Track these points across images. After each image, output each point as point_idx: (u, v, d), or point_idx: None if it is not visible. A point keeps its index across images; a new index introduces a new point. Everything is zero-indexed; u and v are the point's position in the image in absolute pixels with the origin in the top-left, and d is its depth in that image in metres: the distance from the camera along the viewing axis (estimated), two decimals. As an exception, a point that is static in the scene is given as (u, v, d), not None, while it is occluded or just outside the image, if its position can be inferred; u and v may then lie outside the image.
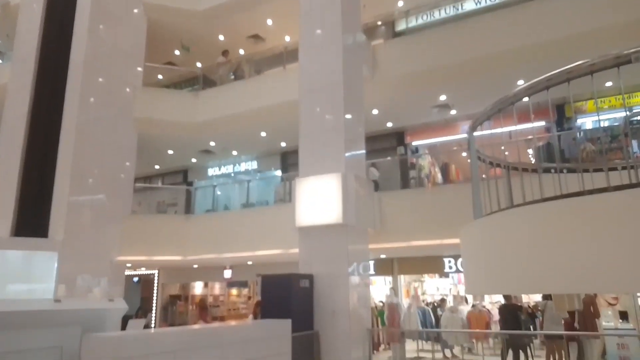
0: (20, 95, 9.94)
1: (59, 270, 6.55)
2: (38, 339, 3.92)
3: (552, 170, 4.94)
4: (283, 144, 15.27)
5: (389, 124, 13.70)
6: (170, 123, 13.58)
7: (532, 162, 7.62)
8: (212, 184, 15.84)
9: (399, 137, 14.33)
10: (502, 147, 4.76)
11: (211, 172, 17.75)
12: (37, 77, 6.69)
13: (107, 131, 11.67)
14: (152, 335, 4.90)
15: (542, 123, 11.40)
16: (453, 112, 12.62)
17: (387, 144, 14.13)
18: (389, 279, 13.55)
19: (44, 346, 3.93)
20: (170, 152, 16.07)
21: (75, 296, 5.19)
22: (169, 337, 4.70)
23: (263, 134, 14.35)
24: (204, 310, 15.13)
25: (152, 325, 14.83)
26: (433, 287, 14.06)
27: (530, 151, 8.81)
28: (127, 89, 12.66)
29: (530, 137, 7.91)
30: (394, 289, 12.37)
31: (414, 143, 14.10)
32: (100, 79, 11.80)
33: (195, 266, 15.06)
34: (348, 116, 8.99)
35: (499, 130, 4.38)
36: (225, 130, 14.03)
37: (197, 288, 16.92)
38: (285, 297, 7.58)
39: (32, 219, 6.83)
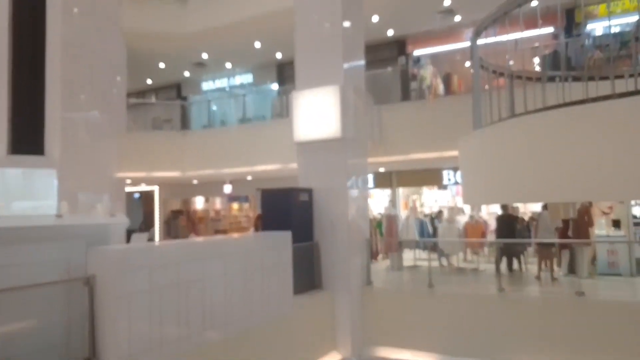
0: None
1: (59, 187, 6.58)
2: (44, 252, 4.00)
3: (557, 79, 4.78)
4: (279, 55, 14.76)
5: (390, 32, 13.14)
6: (159, 35, 13.03)
7: (537, 71, 7.41)
8: (207, 98, 15.54)
9: (400, 46, 13.81)
10: (507, 56, 4.57)
11: (205, 86, 17.34)
12: (13, -16, 6.28)
13: (95, 44, 11.19)
14: (155, 248, 5.03)
15: (550, 29, 10.93)
16: (457, 18, 12.06)
17: (388, 54, 13.65)
18: (388, 191, 13.76)
19: (51, 259, 4.02)
20: (162, 65, 15.58)
21: (78, 212, 5.25)
22: (172, 249, 4.82)
23: (258, 44, 13.82)
24: (193, 224, 15.54)
25: (156, 239, 15.29)
26: (431, 200, 14.33)
27: (536, 60, 8.51)
28: (113, -2, 11.97)
29: (536, 44, 7.60)
30: (393, 201, 12.60)
31: (416, 53, 13.62)
32: (83, -13, 11.10)
33: (195, 182, 15.23)
34: (346, 24, 8.57)
35: (504, 37, 4.17)
36: (217, 41, 13.49)
37: (198, 203, 17.24)
38: (285, 210, 7.70)
39: (27, 137, 6.76)
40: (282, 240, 6.48)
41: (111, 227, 4.95)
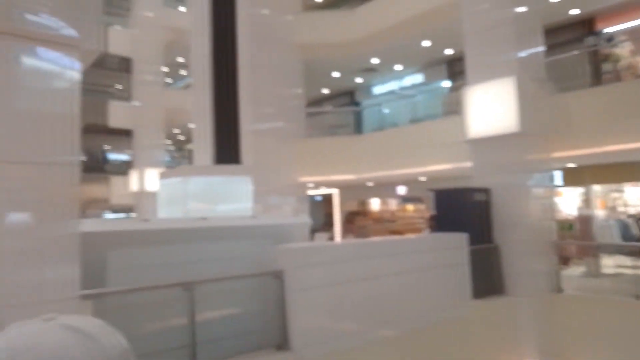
0: (201, 39, 11.08)
1: (253, 192, 7.45)
2: (241, 248, 4.63)
3: None
4: (448, 51, 14.36)
5: (574, 11, 11.76)
6: (331, 44, 13.77)
7: None
8: (378, 102, 15.91)
9: (586, 25, 12.25)
10: None
11: (377, 90, 17.76)
12: (213, 18, 7.33)
13: (276, 62, 12.41)
14: (335, 246, 5.38)
15: None
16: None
17: (571, 36, 12.22)
18: (580, 189, 12.28)
19: (246, 254, 4.63)
20: (336, 74, 16.44)
21: (268, 213, 5.91)
22: (350, 248, 5.11)
23: (426, 43, 13.66)
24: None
25: (336, 239, 16.20)
26: (636, 198, 12.34)
27: None
28: (289, 17, 13.12)
29: None
30: (586, 200, 11.22)
31: (607, 30, 11.92)
32: (264, 11, 12.41)
33: (370, 184, 15.69)
34: (520, 9, 7.96)
35: None
36: (386, 44, 13.72)
37: (374, 204, 17.73)
38: (460, 211, 7.48)
39: (227, 149, 7.79)
40: (457, 242, 6.32)
41: (296, 226, 5.47)
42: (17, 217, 3.04)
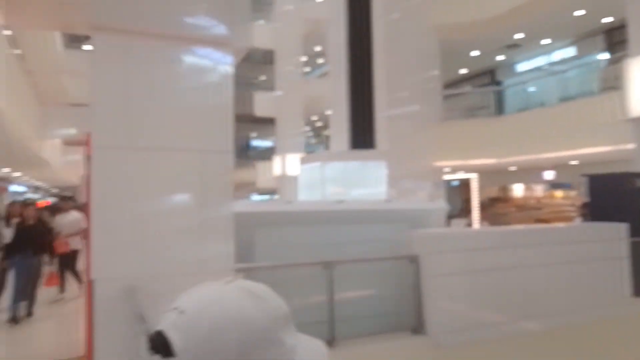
0: (336, 28, 11.33)
1: (387, 176, 7.52)
2: (376, 232, 4.73)
3: None
4: (606, 20, 12.70)
5: None
6: (470, 22, 13.08)
7: None
8: (522, 80, 14.74)
9: None
10: None
11: (520, 68, 16.46)
12: (348, 6, 7.47)
13: (411, 44, 12.18)
14: (473, 233, 5.21)
15: None
16: None
17: None
18: None
19: (380, 238, 4.72)
20: (475, 53, 15.60)
21: (402, 198, 5.93)
22: (489, 235, 4.91)
23: (579, 12, 12.25)
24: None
25: (474, 225, 15.54)
26: None
27: None
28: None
29: None
30: None
31: None
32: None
33: (512, 168, 14.72)
34: None
35: None
36: (532, 18, 12.61)
37: (517, 190, 16.60)
38: (619, 199, 6.66)
39: (362, 135, 7.96)
40: (615, 233, 5.66)
41: (431, 211, 5.41)
42: (182, 199, 3.50)
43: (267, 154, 22.46)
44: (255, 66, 21.22)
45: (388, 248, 4.70)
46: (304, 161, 9.10)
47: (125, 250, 3.23)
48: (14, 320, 6.60)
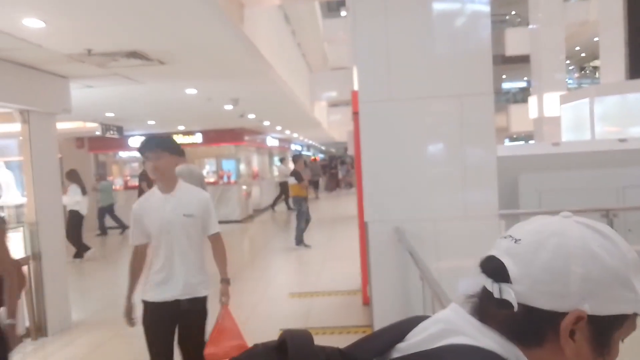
0: None
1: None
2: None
3: None
4: None
5: None
6: None
7: None
8: None
9: None
10: None
11: None
12: None
13: None
14: None
15: None
16: None
17: None
18: None
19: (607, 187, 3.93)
20: None
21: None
22: None
23: None
24: None
25: None
26: None
27: None
28: None
29: None
30: None
31: None
32: None
33: None
34: None
35: None
36: None
37: None
38: None
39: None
40: None
41: None
42: (444, 145, 3.57)
43: (519, 96, 20.77)
44: (503, 1, 19.52)
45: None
46: (565, 99, 8.16)
47: (393, 196, 3.52)
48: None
